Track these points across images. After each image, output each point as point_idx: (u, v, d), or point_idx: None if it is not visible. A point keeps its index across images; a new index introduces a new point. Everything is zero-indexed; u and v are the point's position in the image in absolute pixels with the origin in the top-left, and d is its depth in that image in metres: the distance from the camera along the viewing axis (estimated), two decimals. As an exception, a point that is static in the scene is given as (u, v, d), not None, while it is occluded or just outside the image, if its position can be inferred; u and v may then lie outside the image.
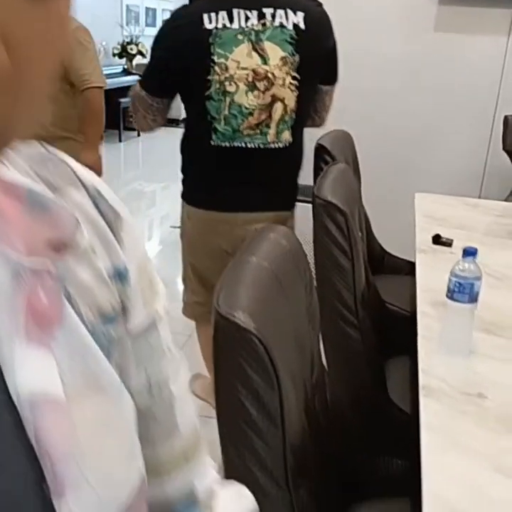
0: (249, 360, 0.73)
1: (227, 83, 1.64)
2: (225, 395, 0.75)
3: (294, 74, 1.67)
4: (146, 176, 6.31)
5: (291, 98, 1.69)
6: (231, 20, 1.62)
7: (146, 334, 0.41)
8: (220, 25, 1.61)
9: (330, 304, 1.34)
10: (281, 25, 1.65)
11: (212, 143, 1.71)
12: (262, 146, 1.71)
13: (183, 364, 0.45)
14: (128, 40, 7.92)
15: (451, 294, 1.15)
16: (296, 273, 1.03)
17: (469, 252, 1.14)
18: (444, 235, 1.86)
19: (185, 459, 0.45)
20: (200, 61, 1.63)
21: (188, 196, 1.87)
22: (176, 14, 1.70)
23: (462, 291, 1.13)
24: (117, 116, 7.23)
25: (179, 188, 1.93)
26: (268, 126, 1.69)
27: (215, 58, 1.62)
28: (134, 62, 7.89)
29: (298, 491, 0.82)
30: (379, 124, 2.98)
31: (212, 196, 1.79)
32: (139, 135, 7.65)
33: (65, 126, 2.44)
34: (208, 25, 1.61)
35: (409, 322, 1.30)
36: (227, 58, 1.62)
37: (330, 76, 1.83)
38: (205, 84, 1.64)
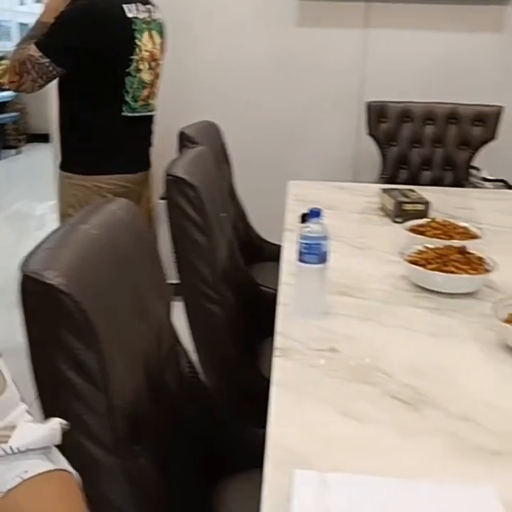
0: (61, 321, 0.68)
1: (140, 62, 2.02)
2: (39, 362, 0.70)
3: (162, 56, 2.16)
4: (31, 195, 6.01)
5: (160, 76, 2.16)
6: (138, 11, 2.01)
7: None
8: (134, 15, 1.99)
9: (189, 281, 1.31)
10: (155, 19, 2.10)
11: (122, 114, 2.01)
12: (148, 114, 2.13)
13: None
14: (1, 55, 7.59)
15: (300, 257, 1.15)
16: (137, 244, 0.99)
17: (314, 213, 1.15)
18: (313, 215, 1.88)
19: None
20: (128, 43, 1.97)
21: (91, 166, 2.01)
22: (94, 1, 1.93)
23: (310, 251, 1.14)
24: (-7, 134, 6.90)
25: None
26: (151, 98, 2.11)
27: (137, 41, 1.99)
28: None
29: (136, 459, 0.78)
30: (248, 117, 3.02)
31: (120, 161, 2.06)
32: (18, 153, 7.32)
33: None
34: (128, 14, 1.97)
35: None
36: (141, 41, 2.01)
37: None
38: (127, 63, 1.98)
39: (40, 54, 1.87)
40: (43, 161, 6.17)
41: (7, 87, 2.01)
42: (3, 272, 3.38)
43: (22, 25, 8.59)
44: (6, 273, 3.66)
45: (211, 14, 2.94)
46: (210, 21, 2.86)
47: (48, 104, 2.89)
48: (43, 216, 5.36)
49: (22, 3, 8.62)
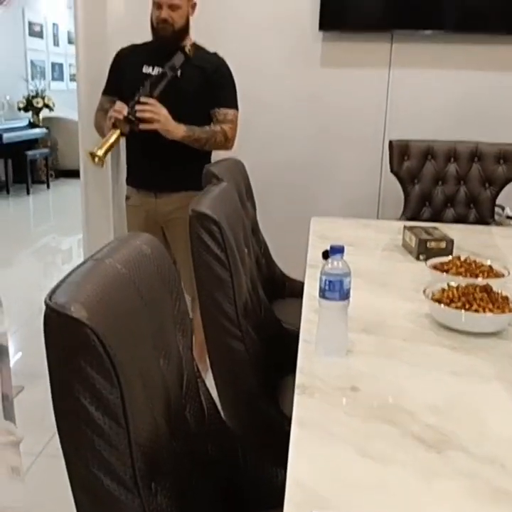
0: (83, 354, 0.69)
1: None
2: (60, 395, 0.70)
3: None
4: (59, 230, 6.11)
5: None
6: None
7: None
8: None
9: (211, 317, 1.32)
10: None
11: None
12: None
13: None
14: (34, 93, 7.85)
15: (322, 293, 1.15)
16: (159, 279, 1.01)
17: (336, 250, 1.15)
18: (336, 251, 1.88)
19: None
20: None
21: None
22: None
23: (332, 288, 1.14)
24: (24, 169, 7.07)
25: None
26: None
27: None
28: (41, 115, 7.81)
29: (155, 496, 0.78)
30: (273, 155, 3.06)
31: None
32: (48, 187, 7.48)
33: None
34: None
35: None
36: None
37: None
38: None
39: (236, 111, 2.44)
40: (71, 195, 6.29)
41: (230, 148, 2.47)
42: (30, 305, 3.44)
43: (54, 64, 8.93)
44: (33, 306, 3.71)
45: (236, 54, 3.01)
46: (234, 61, 2.92)
47: (77, 141, 2.97)
48: (70, 250, 5.45)
49: (56, 44, 8.96)
